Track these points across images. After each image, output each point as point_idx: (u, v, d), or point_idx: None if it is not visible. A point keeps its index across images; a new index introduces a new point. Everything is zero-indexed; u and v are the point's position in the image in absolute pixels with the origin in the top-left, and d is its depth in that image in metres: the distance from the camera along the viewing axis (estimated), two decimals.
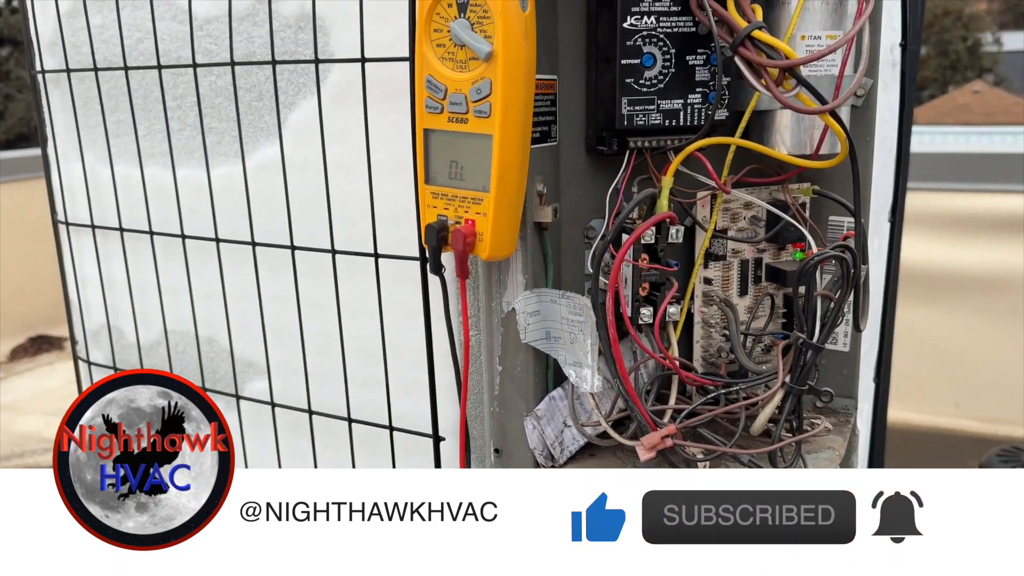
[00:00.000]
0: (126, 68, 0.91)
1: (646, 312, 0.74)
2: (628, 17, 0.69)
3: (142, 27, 0.89)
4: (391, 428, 0.82)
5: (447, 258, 0.69)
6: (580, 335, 0.72)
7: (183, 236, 0.91)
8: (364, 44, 0.74)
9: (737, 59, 0.66)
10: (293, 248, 0.82)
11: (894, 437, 2.71)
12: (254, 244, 0.85)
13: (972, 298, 2.84)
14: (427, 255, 0.69)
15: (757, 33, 0.65)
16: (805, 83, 0.65)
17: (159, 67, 0.88)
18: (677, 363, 0.75)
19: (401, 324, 0.80)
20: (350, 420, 0.84)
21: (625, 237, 0.70)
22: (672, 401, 0.76)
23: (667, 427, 0.71)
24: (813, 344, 0.69)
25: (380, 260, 0.78)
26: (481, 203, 0.66)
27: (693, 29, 0.70)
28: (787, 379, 0.71)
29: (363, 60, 0.74)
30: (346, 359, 0.83)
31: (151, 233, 0.94)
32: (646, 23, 0.69)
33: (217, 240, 0.88)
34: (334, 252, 0.80)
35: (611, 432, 0.74)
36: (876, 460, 1.07)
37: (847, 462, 0.85)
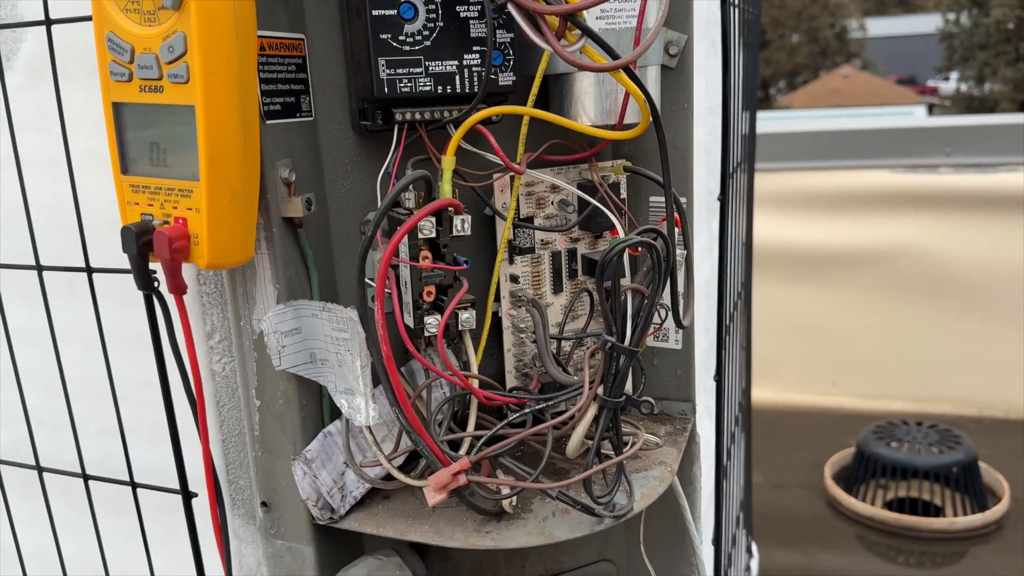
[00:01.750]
0: None
1: (432, 321, 0.61)
2: None
3: None
4: (133, 484, 0.66)
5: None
6: (348, 355, 0.58)
7: None
8: (48, 3, 0.58)
9: (511, 6, 0.54)
10: None
11: (774, 419, 2.71)
12: None
13: (842, 274, 2.87)
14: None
15: None
16: (590, 33, 0.53)
17: None
18: (474, 381, 0.63)
19: (135, 355, 0.64)
20: (85, 476, 0.67)
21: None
22: (471, 427, 0.63)
23: (460, 461, 0.58)
24: (624, 348, 0.58)
25: (95, 276, 0.62)
26: (191, 195, 0.51)
27: None
28: (600, 391, 0.60)
29: (48, 23, 0.58)
30: (72, 402, 0.66)
31: None
32: None
33: None
34: (40, 268, 0.63)
35: (394, 472, 0.60)
36: (734, 464, 0.98)
37: (687, 474, 0.75)
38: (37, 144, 0.63)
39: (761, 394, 2.46)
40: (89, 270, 0.61)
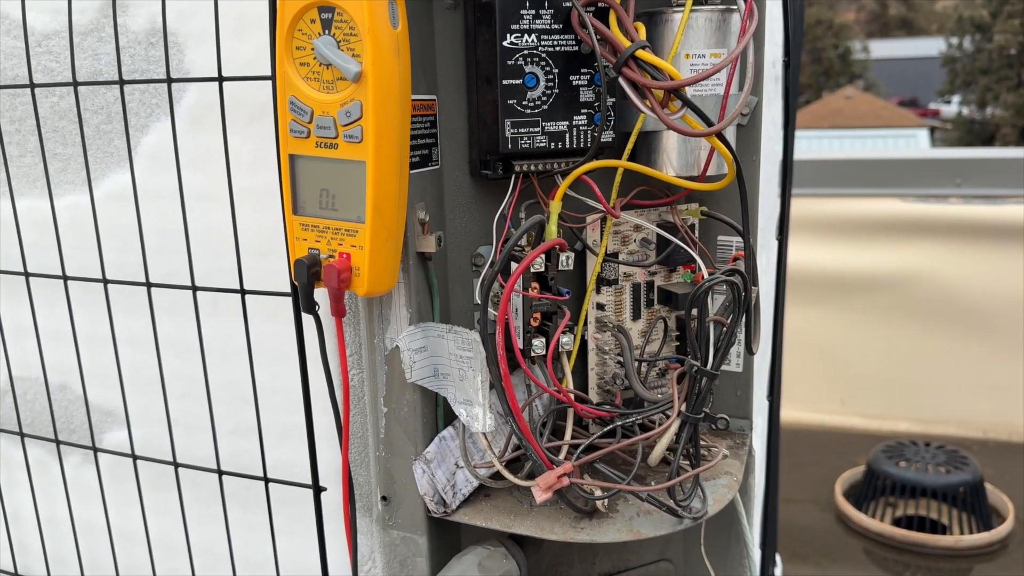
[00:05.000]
0: None
1: (538, 343, 0.71)
2: (508, 35, 0.65)
3: None
4: (266, 479, 0.75)
5: (321, 294, 0.63)
6: (470, 371, 0.68)
7: (26, 274, 0.82)
8: (221, 61, 0.67)
9: (621, 80, 0.64)
10: (149, 285, 0.75)
11: (784, 436, 2.80)
12: (106, 281, 0.77)
13: (849, 298, 2.97)
14: (298, 292, 0.63)
15: (641, 53, 0.63)
16: (691, 104, 0.63)
17: None
18: (571, 395, 0.72)
19: (274, 365, 0.73)
20: (220, 472, 0.77)
21: (514, 266, 0.66)
22: (568, 435, 0.73)
23: (564, 465, 0.67)
24: (707, 372, 0.67)
25: (247, 296, 0.71)
26: (356, 235, 0.61)
27: (576, 48, 0.67)
28: (682, 408, 0.69)
29: (220, 79, 0.68)
30: (212, 405, 0.76)
31: None
32: (527, 41, 0.66)
33: (65, 278, 0.79)
34: (195, 288, 0.73)
35: (505, 473, 0.70)
36: (772, 477, 1.07)
37: (744, 484, 0.84)
38: (193, 181, 0.73)
39: None
40: (243, 291, 0.71)
